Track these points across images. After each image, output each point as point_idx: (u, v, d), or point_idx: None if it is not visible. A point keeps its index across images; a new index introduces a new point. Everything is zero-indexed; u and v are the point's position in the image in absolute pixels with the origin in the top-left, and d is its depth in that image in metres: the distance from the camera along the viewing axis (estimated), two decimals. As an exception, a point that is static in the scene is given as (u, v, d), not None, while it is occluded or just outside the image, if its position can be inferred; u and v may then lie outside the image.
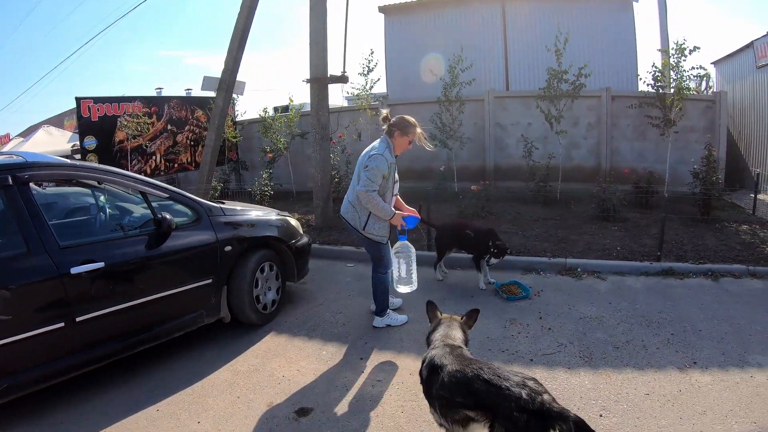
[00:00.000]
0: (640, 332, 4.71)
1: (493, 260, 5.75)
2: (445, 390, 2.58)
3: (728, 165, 11.28)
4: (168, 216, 4.03)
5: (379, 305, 4.87)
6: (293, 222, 5.63)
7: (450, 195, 10.43)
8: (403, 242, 4.74)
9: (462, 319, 3.21)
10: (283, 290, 5.31)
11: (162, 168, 12.56)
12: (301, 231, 5.71)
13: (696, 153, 10.29)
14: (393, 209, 4.56)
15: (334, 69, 8.97)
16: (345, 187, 10.78)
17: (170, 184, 14.52)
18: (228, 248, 4.49)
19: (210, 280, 4.37)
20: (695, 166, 8.96)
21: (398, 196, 4.90)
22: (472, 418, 2.49)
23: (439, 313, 3.27)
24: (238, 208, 5.10)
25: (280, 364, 4.24)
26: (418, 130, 4.57)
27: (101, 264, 3.61)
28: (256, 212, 5.25)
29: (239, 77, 10.66)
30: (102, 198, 4.46)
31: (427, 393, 2.78)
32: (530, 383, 2.35)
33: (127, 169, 11.08)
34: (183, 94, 13.46)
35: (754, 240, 7.33)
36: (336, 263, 7.29)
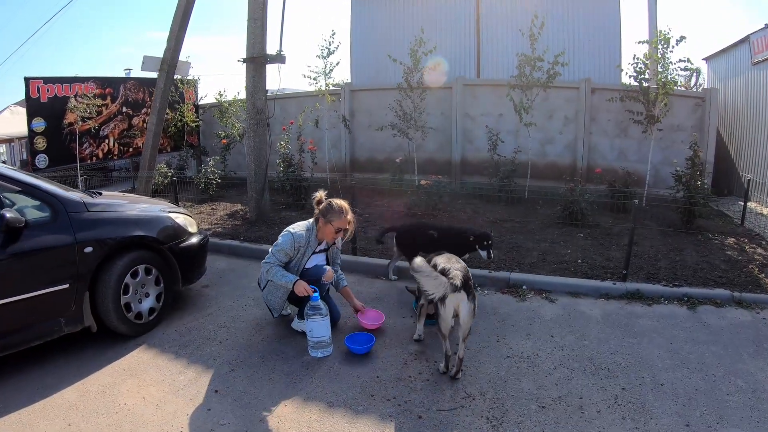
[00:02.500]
0: (580, 383, 3.50)
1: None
2: None
3: (716, 168, 10.19)
4: (9, 213, 3.44)
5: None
6: (181, 219, 4.90)
7: (407, 189, 9.28)
8: (315, 302, 3.85)
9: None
10: (166, 297, 4.60)
11: (115, 152, 11.92)
12: (192, 229, 5.02)
13: (682, 154, 9.25)
14: (294, 275, 3.98)
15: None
16: (293, 173, 9.62)
17: (128, 170, 13.80)
18: (89, 249, 3.88)
19: (67, 285, 3.76)
20: (678, 168, 7.79)
21: (347, 287, 4.53)
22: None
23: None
24: (112, 201, 4.49)
25: (131, 387, 3.49)
26: (348, 216, 4.13)
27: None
28: (136, 206, 4.65)
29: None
30: None
31: None
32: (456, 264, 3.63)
33: (77, 154, 10.50)
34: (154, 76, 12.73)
35: (742, 257, 6.15)
36: (252, 264, 6.23)
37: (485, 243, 4.83)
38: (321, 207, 4.16)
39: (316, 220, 4.17)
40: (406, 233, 5.33)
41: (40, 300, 3.60)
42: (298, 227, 4.13)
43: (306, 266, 4.18)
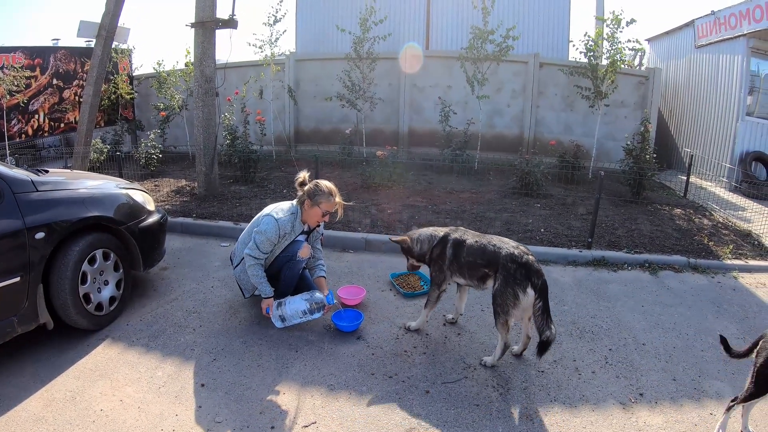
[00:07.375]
0: (571, 347, 3.59)
1: None
2: (470, 256, 3.42)
3: (657, 144, 10.66)
4: None
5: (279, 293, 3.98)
6: (139, 196, 4.47)
7: (356, 161, 9.17)
8: (325, 300, 3.79)
9: None
10: (126, 283, 4.15)
11: (46, 128, 10.93)
12: (150, 206, 4.57)
13: (625, 129, 9.77)
14: (271, 290, 3.77)
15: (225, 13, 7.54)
16: (239, 147, 9.26)
17: (57, 148, 12.80)
18: (40, 234, 3.38)
19: (17, 278, 3.27)
20: (629, 143, 8.14)
21: (323, 277, 4.14)
22: (487, 274, 3.36)
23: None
24: (62, 179, 3.95)
25: (104, 390, 3.06)
26: (336, 199, 3.77)
27: None
28: (89, 183, 4.12)
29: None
30: None
31: (455, 262, 3.52)
32: (521, 247, 3.31)
33: (5, 131, 9.57)
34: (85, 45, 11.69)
35: (691, 227, 6.49)
36: (209, 242, 5.92)
37: None
38: (306, 188, 3.79)
39: (301, 203, 3.82)
40: None
41: None
42: (281, 212, 3.78)
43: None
